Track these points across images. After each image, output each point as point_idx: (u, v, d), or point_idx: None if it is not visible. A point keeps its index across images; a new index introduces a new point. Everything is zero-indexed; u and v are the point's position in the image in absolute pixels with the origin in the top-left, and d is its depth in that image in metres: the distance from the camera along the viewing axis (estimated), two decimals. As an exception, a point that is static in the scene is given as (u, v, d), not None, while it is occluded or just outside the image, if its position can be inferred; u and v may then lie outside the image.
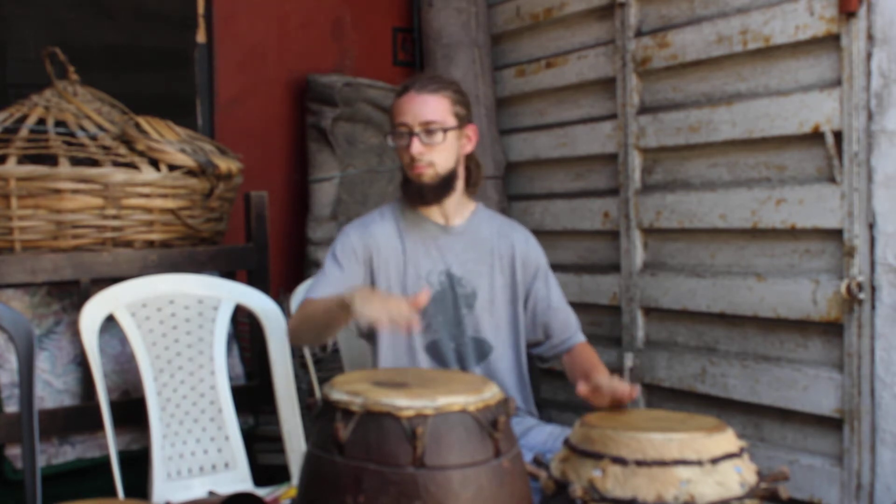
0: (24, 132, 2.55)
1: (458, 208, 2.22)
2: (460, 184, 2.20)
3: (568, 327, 2.26)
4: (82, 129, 2.63)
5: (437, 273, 2.18)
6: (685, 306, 2.79)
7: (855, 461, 2.34)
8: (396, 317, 1.73)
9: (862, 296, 2.30)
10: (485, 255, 2.22)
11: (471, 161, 2.23)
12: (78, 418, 2.47)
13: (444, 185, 2.14)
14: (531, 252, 2.28)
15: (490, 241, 2.24)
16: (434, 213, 2.20)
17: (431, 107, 2.09)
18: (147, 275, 2.47)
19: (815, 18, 2.39)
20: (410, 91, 2.11)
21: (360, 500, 1.39)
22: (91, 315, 2.29)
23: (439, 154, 2.10)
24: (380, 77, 3.57)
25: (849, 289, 2.31)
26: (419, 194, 2.14)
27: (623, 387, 1.81)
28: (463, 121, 2.14)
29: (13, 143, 2.50)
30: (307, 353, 2.52)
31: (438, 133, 2.09)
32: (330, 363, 2.97)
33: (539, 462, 1.65)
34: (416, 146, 2.08)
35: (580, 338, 2.27)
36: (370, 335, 2.20)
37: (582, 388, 1.87)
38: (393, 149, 2.17)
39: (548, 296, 2.26)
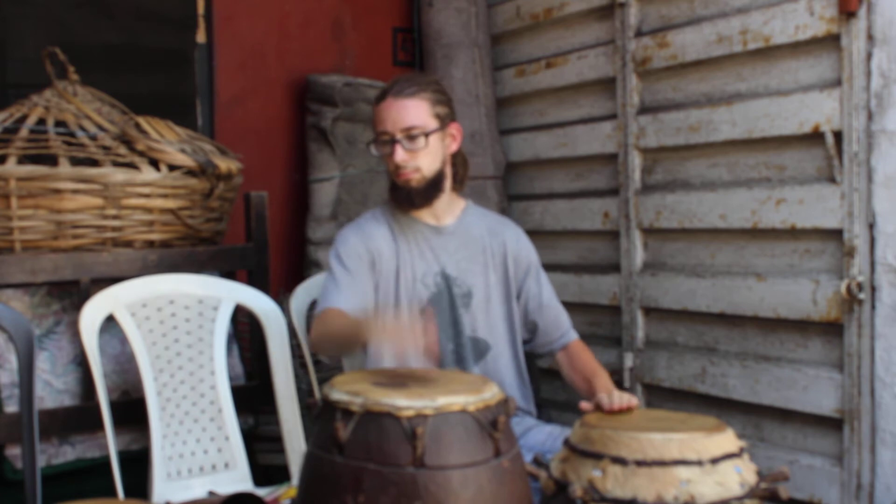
0: (24, 132, 2.55)
1: (449, 207, 2.22)
2: (448, 183, 2.20)
3: (560, 325, 2.26)
4: (82, 129, 2.63)
5: (432, 274, 2.17)
6: (685, 306, 2.79)
7: (855, 461, 2.34)
8: (415, 346, 1.71)
9: (862, 296, 2.30)
10: (477, 253, 2.22)
11: (457, 158, 2.22)
12: (78, 418, 2.47)
13: (432, 188, 2.14)
14: (522, 249, 2.27)
15: (482, 239, 2.23)
16: (425, 214, 2.19)
17: (410, 112, 2.07)
18: (147, 275, 2.46)
19: (815, 18, 2.39)
20: (388, 97, 2.09)
21: (360, 500, 1.39)
22: (91, 315, 2.29)
23: (424, 158, 2.10)
24: (380, 77, 3.57)
25: (849, 289, 2.31)
26: (408, 199, 2.13)
27: (621, 401, 1.81)
28: (445, 120, 2.13)
29: (13, 143, 2.49)
30: (307, 353, 2.52)
31: (420, 138, 2.08)
32: (330, 363, 2.96)
33: (539, 462, 1.65)
34: (400, 154, 2.07)
35: (573, 335, 2.27)
36: None
37: (585, 406, 1.88)
38: (379, 156, 2.15)
39: (539, 293, 2.25)
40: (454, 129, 2.17)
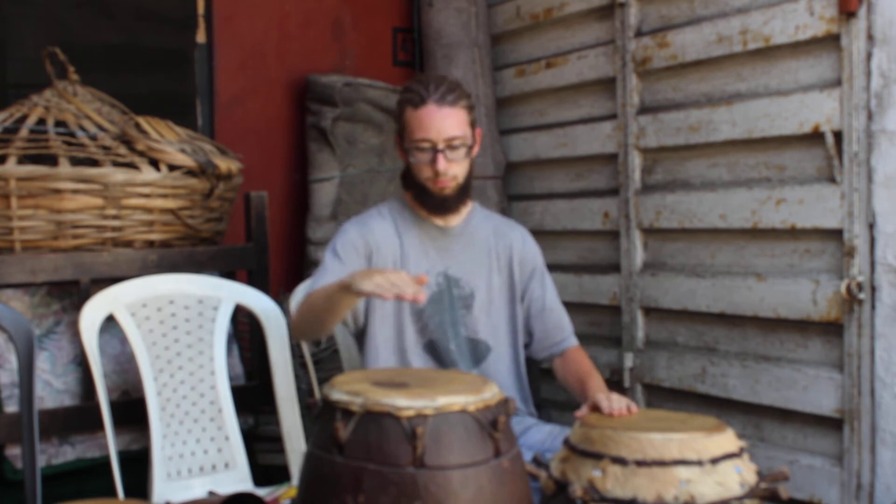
0: (24, 132, 2.55)
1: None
2: None
3: (561, 329, 2.26)
4: (82, 129, 2.63)
5: (434, 274, 2.17)
6: (685, 306, 2.79)
7: (855, 461, 2.34)
8: (399, 290, 1.71)
9: (862, 296, 2.30)
10: (482, 255, 2.22)
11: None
12: (78, 418, 2.47)
13: (464, 193, 2.16)
14: (528, 252, 2.28)
15: (487, 241, 2.24)
16: (433, 214, 2.20)
17: (454, 122, 2.06)
18: (147, 275, 2.46)
19: (815, 18, 2.39)
20: (430, 104, 2.05)
21: (360, 500, 1.39)
22: (91, 315, 2.29)
23: (460, 166, 2.10)
24: (380, 77, 3.57)
25: (849, 289, 2.31)
26: (443, 205, 2.14)
27: (620, 407, 1.81)
28: (474, 127, 2.15)
29: (13, 143, 2.49)
30: (307, 353, 2.52)
31: (462, 149, 2.08)
32: (330, 363, 2.97)
33: (539, 462, 1.65)
34: (443, 163, 2.06)
35: (573, 341, 2.27)
36: (361, 335, 2.19)
37: (580, 413, 1.87)
38: (415, 163, 2.10)
39: (542, 296, 2.25)
40: (478, 133, 2.18)
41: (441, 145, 2.06)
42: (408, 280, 1.75)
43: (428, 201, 2.14)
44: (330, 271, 2.09)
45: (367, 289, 1.74)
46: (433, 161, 2.06)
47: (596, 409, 1.84)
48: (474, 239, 2.23)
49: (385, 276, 1.75)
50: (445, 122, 2.05)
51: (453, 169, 2.08)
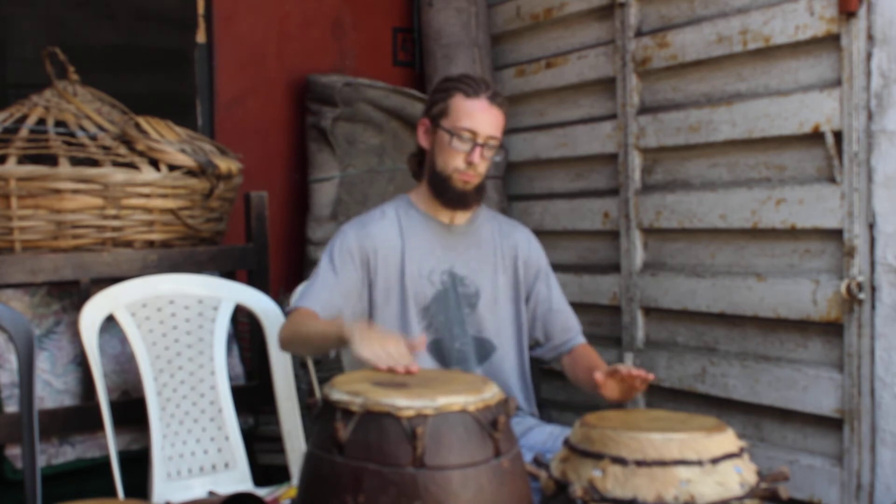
0: (24, 132, 2.55)
1: None
2: None
3: (568, 329, 2.27)
4: (82, 129, 2.63)
5: (439, 272, 2.18)
6: (685, 306, 2.79)
7: (855, 461, 2.34)
8: (394, 362, 1.71)
9: (862, 296, 2.30)
10: (487, 254, 2.23)
11: None
12: (78, 418, 2.47)
13: (482, 191, 2.18)
14: (533, 253, 2.29)
15: (492, 241, 2.24)
16: (440, 212, 2.20)
17: (499, 123, 2.12)
18: (147, 275, 2.47)
19: (815, 18, 2.39)
20: (483, 98, 2.10)
21: (360, 500, 1.39)
22: (91, 315, 2.29)
23: (486, 166, 2.14)
24: (380, 77, 3.57)
25: (849, 289, 2.31)
26: (462, 200, 2.15)
27: (640, 370, 1.87)
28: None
29: (13, 143, 2.50)
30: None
31: (494, 149, 2.12)
32: (330, 363, 2.97)
33: (539, 462, 1.65)
34: (478, 157, 2.09)
35: (580, 339, 2.29)
36: None
37: (598, 375, 1.92)
38: (451, 149, 2.10)
39: (549, 297, 2.27)
40: None
41: (482, 140, 2.09)
42: (404, 352, 1.75)
43: (446, 192, 2.15)
44: (323, 283, 2.11)
45: (363, 355, 1.74)
46: (470, 152, 2.09)
47: (614, 373, 1.91)
48: (479, 238, 2.24)
49: (383, 344, 1.75)
50: (493, 121, 2.11)
51: (482, 166, 2.12)
